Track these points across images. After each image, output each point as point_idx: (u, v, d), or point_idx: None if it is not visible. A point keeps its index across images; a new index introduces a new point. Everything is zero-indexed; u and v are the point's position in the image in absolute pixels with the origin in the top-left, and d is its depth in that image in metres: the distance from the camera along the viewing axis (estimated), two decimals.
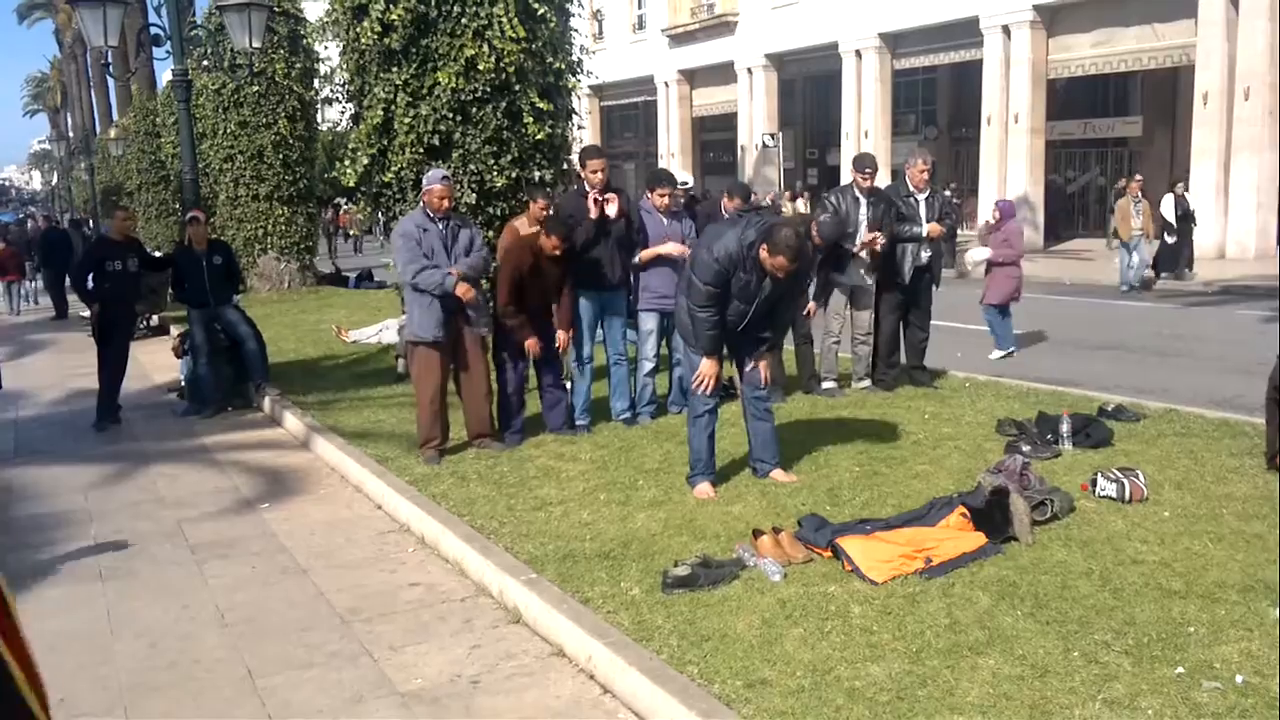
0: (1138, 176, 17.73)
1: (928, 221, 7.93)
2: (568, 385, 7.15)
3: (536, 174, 9.01)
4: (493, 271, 7.10)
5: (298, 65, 17.28)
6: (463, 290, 6.33)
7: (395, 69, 8.68)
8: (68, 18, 50.43)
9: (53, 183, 78.35)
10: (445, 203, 6.38)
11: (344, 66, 9.46)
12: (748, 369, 5.70)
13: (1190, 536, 4.56)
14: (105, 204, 15.18)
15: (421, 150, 8.74)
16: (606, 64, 26.57)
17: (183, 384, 9.52)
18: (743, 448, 6.01)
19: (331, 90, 11.35)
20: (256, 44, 10.38)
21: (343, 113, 10.58)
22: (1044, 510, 4.77)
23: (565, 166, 9.49)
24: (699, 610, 3.97)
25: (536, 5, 8.65)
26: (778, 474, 5.67)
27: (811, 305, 7.88)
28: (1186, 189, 17.71)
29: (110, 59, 10.43)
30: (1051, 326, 12.34)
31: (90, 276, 8.78)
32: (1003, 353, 10.14)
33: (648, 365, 7.27)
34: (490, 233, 8.30)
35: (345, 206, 32.07)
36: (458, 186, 8.89)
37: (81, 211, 41.34)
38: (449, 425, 6.68)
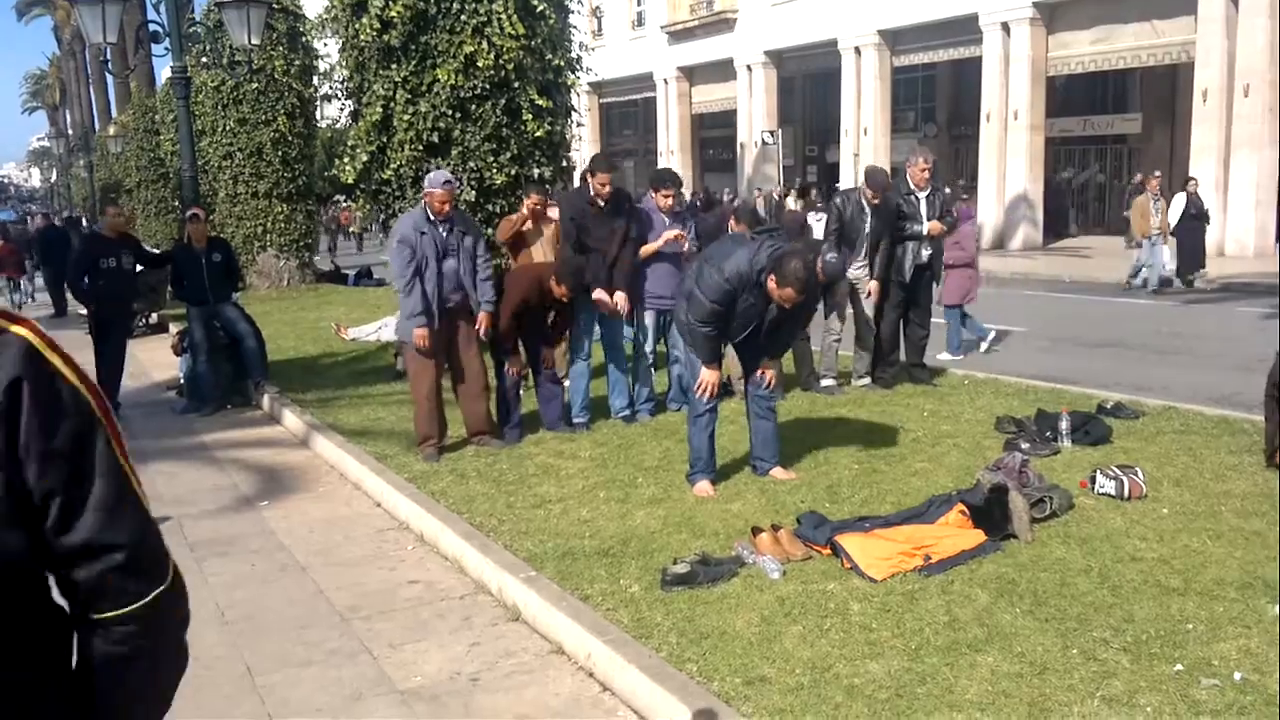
0: (1156, 173, 17.47)
1: (928, 219, 7.93)
2: (565, 382, 7.16)
3: (536, 171, 9.02)
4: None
5: (297, 62, 17.25)
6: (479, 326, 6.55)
7: (394, 66, 8.68)
8: (66, 14, 50.47)
9: (52, 180, 78.39)
10: (446, 206, 6.34)
11: (343, 63, 9.47)
12: (755, 376, 5.69)
13: (1189, 534, 4.56)
14: (104, 201, 15.13)
15: (421, 147, 8.74)
16: (606, 61, 26.51)
17: (182, 382, 9.51)
18: (742, 445, 6.01)
19: (331, 87, 11.35)
20: (255, 41, 10.36)
21: (342, 110, 10.58)
22: (1043, 507, 4.77)
23: (564, 163, 9.50)
24: (698, 608, 3.97)
25: (536, 2, 8.66)
26: (777, 471, 5.67)
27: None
28: (1199, 186, 16.92)
29: (109, 56, 10.39)
30: (1051, 324, 12.34)
31: (85, 275, 8.76)
32: (953, 356, 9.96)
33: (644, 361, 7.32)
34: (490, 230, 8.30)
35: (345, 204, 32.05)
36: (457, 183, 8.90)
37: (81, 209, 41.33)
38: (446, 422, 6.68)
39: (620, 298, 6.84)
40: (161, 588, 1.26)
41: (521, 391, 6.94)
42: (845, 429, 6.68)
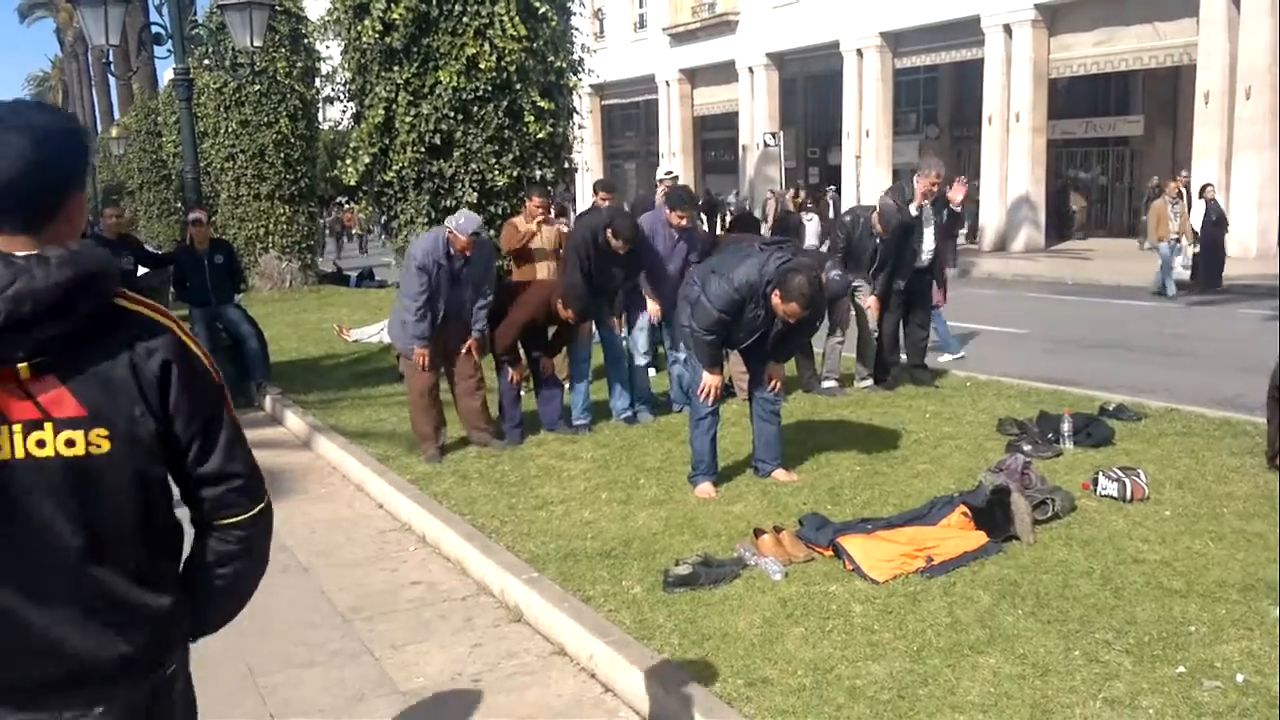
0: (1183, 173, 17.11)
1: (928, 231, 7.92)
2: (565, 384, 7.17)
3: (538, 173, 9.03)
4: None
5: (299, 64, 17.27)
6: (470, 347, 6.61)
7: (396, 68, 8.68)
8: (69, 16, 50.54)
9: None
10: (467, 252, 6.34)
11: (345, 65, 9.47)
12: (761, 382, 5.67)
13: (1191, 535, 4.56)
14: (106, 203, 15.22)
15: (423, 149, 8.75)
16: (607, 63, 26.52)
17: None
18: (744, 447, 6.01)
19: (333, 89, 11.34)
20: (258, 43, 10.37)
21: (344, 112, 10.58)
22: (1045, 509, 4.77)
23: (566, 165, 9.50)
24: (700, 609, 3.97)
25: (538, 4, 8.66)
26: (779, 473, 5.67)
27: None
28: (1215, 192, 16.51)
29: (111, 58, 10.40)
30: (1053, 326, 12.34)
31: None
32: (954, 356, 9.88)
33: (641, 360, 7.38)
34: (491, 231, 8.31)
35: (347, 206, 32.05)
36: (459, 185, 8.91)
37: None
38: (444, 422, 6.68)
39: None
40: (263, 504, 1.73)
41: (521, 392, 6.94)
42: (847, 431, 6.68)
